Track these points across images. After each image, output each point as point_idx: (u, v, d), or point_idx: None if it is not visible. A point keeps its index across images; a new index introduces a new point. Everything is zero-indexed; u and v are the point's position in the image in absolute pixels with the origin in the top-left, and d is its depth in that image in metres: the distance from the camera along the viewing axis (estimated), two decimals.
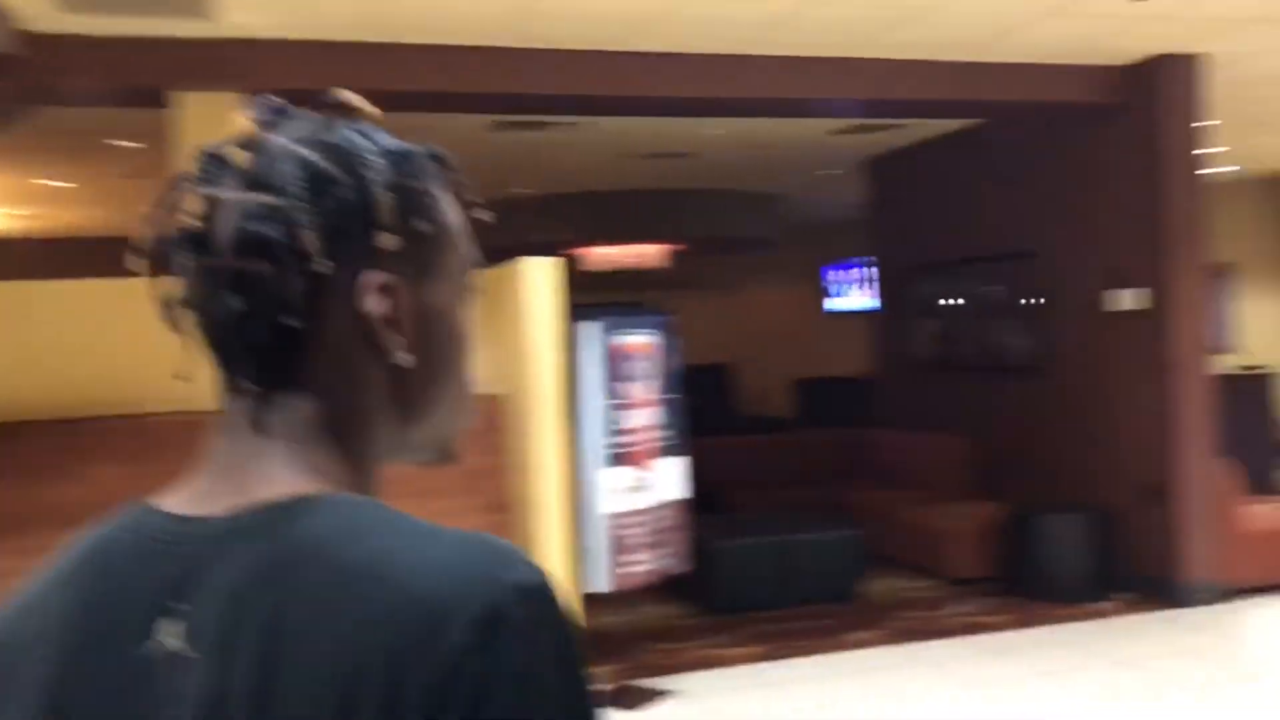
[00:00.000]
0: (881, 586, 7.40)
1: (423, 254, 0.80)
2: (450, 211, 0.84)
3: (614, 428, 5.31)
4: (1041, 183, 7.74)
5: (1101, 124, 7.08)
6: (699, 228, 11.78)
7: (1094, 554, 6.92)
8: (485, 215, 0.89)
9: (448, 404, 0.84)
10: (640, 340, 5.51)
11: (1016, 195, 7.99)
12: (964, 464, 8.42)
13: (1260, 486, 10.43)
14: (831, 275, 15.87)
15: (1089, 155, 7.28)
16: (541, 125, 7.63)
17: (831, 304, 15.89)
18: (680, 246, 12.26)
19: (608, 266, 11.80)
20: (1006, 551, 7.18)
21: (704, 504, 8.82)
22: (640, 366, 5.48)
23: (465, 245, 0.85)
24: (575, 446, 5.17)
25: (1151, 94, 6.69)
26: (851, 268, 14.84)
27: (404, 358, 0.79)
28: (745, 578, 7.02)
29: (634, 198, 11.03)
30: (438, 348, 0.82)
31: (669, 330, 5.64)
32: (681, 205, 11.33)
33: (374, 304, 0.77)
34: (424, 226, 0.80)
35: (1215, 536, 6.68)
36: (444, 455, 0.87)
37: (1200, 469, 6.70)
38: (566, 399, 4.47)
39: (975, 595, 7.09)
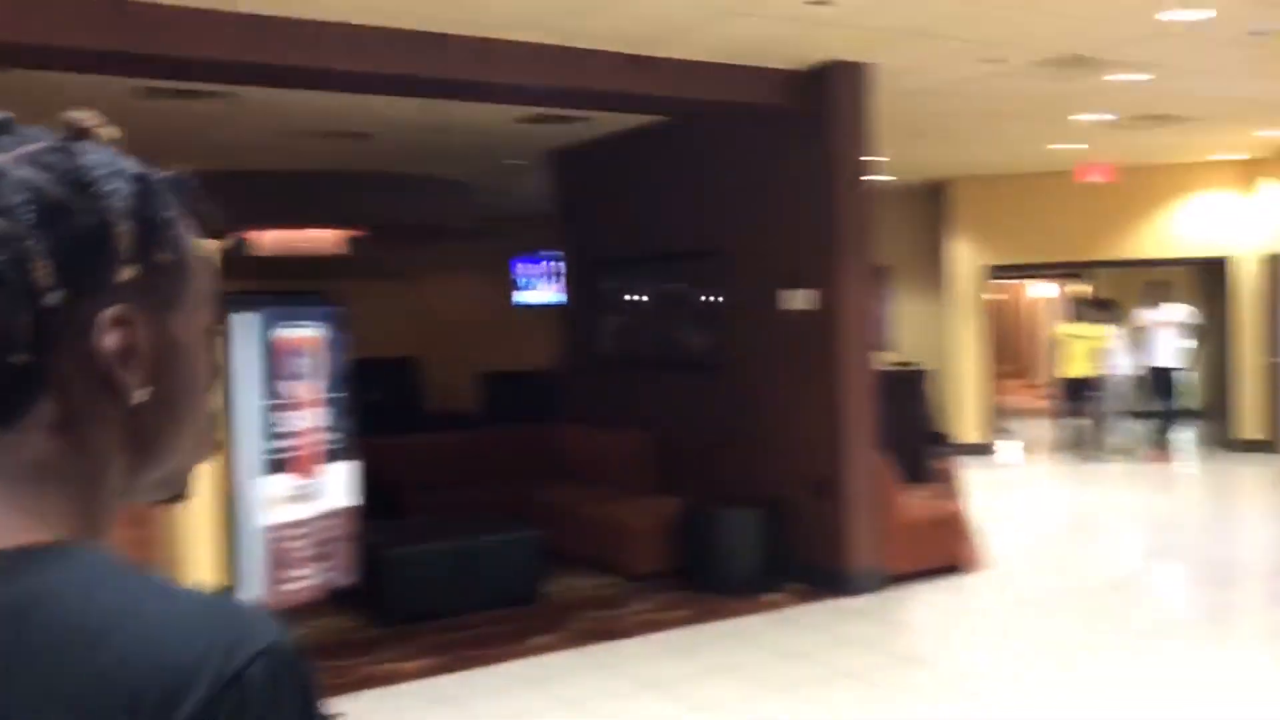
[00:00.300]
0: (564, 587, 7.26)
1: (163, 285, 0.77)
2: (191, 241, 0.80)
3: (274, 431, 4.82)
4: (724, 182, 7.86)
5: (780, 127, 7.26)
6: (381, 213, 11.25)
7: (767, 547, 7.09)
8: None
9: (186, 441, 0.81)
10: (305, 334, 5.03)
11: (699, 194, 8.09)
12: (647, 460, 8.44)
13: (917, 476, 11.23)
14: (521, 268, 15.70)
15: (769, 157, 7.45)
16: (196, 94, 6.93)
17: (520, 297, 15.72)
18: (360, 232, 11.67)
19: (281, 251, 11.04)
20: (685, 547, 7.24)
21: (381, 508, 8.39)
22: (305, 363, 5.01)
23: (206, 276, 0.82)
24: (229, 453, 4.65)
25: (825, 100, 6.90)
26: (540, 261, 14.72)
27: (141, 395, 0.75)
28: (421, 585, 6.67)
29: (308, 179, 10.35)
30: (178, 383, 0.79)
31: (337, 322, 5.19)
32: (361, 189, 10.75)
33: (110, 340, 0.73)
34: (164, 257, 0.77)
35: (876, 527, 7.01)
36: (177, 493, 0.84)
37: (863, 462, 7.00)
38: (219, 400, 3.95)
39: (655, 591, 7.09)
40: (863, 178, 7.07)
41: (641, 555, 7.38)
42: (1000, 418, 17.18)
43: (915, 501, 7.92)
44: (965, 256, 13.27)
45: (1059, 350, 12.18)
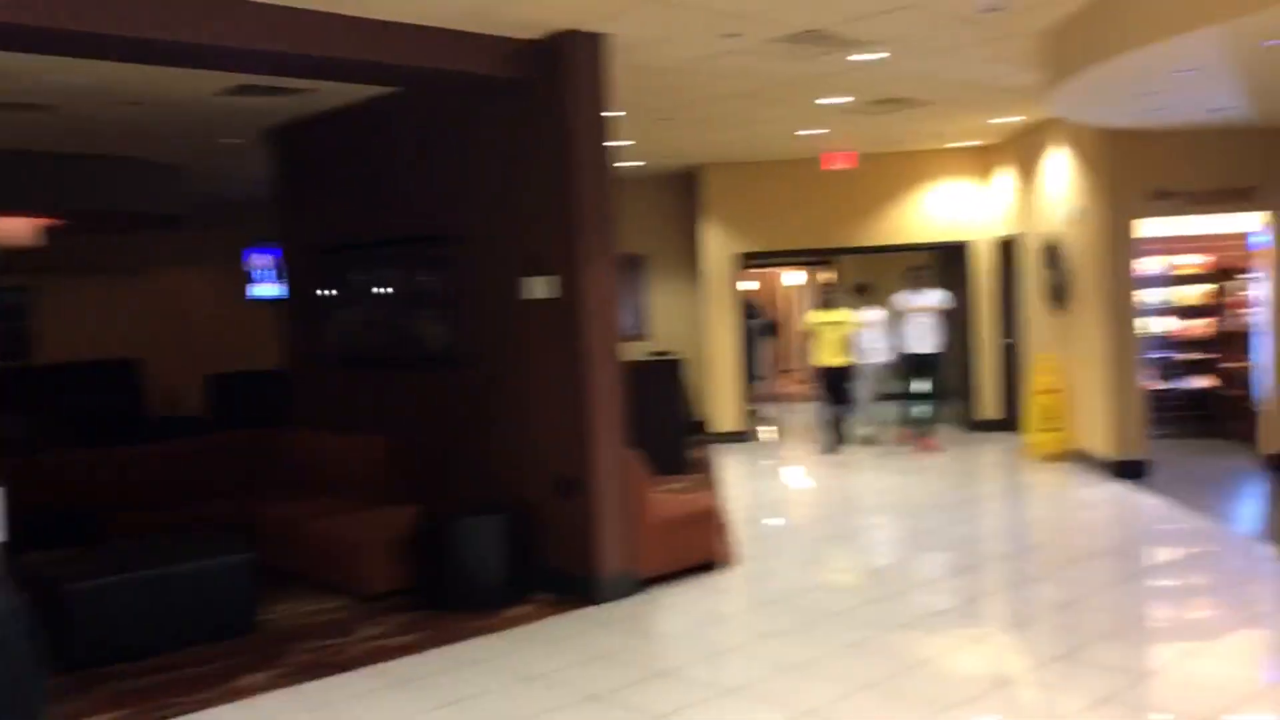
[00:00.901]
0: (286, 613, 6.50)
1: None
2: None
3: None
4: (458, 162, 7.25)
5: (515, 101, 6.72)
6: (80, 200, 9.99)
7: (512, 556, 6.56)
8: None
9: None
10: None
11: (432, 174, 7.45)
12: (385, 466, 7.76)
13: (674, 468, 10.98)
14: (254, 259, 14.55)
15: (504, 134, 6.89)
16: None
17: (254, 291, 14.56)
18: (58, 221, 10.35)
19: None
20: (422, 560, 6.60)
21: (72, 533, 7.35)
22: None
23: None
24: None
25: (561, 72, 6.41)
26: (270, 252, 13.65)
27: None
28: (111, 623, 5.75)
29: None
30: None
31: None
32: (52, 172, 9.49)
33: None
34: None
35: (627, 528, 6.60)
36: None
37: (612, 459, 6.57)
38: None
39: (389, 613, 6.42)
40: (604, 158, 6.62)
41: (374, 573, 6.69)
42: (758, 405, 17.33)
43: (668, 498, 7.57)
44: (718, 244, 13.15)
45: (813, 339, 12.04)
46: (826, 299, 12.22)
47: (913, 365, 11.86)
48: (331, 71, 6.34)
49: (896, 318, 11.87)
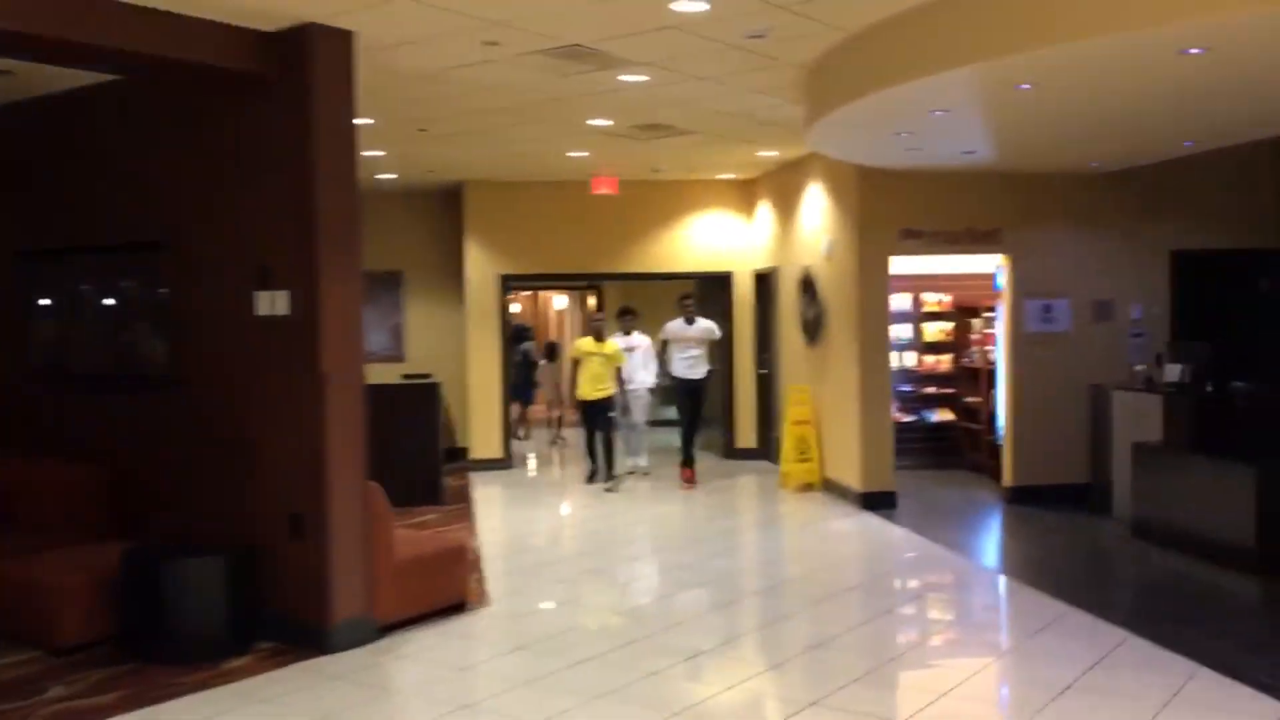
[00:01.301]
0: None
1: None
2: None
3: None
4: (186, 162, 6.53)
5: (250, 98, 6.10)
6: None
7: (237, 600, 5.89)
8: None
9: None
10: None
11: (157, 174, 6.69)
12: (94, 498, 6.91)
13: (429, 497, 10.43)
14: None
15: (239, 134, 6.24)
16: None
17: None
18: None
19: None
20: (130, 606, 5.84)
21: None
22: None
23: None
24: None
25: (301, 69, 5.86)
26: None
27: None
28: None
29: None
30: None
31: None
32: None
33: None
34: None
35: (365, 568, 6.06)
36: None
37: (350, 493, 6.03)
38: None
39: (88, 668, 5.62)
40: (350, 165, 6.10)
41: (70, 621, 5.86)
42: (526, 432, 16.92)
43: (414, 535, 7.08)
44: (481, 265, 12.72)
45: (579, 367, 11.46)
46: (595, 328, 11.68)
47: (680, 394, 11.57)
48: (32, 50, 5.55)
49: (665, 346, 11.61)
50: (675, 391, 11.70)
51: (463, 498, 10.88)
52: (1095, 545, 8.26)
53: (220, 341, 6.37)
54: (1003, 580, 7.35)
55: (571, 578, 7.60)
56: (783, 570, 7.83)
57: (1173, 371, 8.14)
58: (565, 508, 10.71)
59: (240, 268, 6.20)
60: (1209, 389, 7.80)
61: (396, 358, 13.57)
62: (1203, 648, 5.60)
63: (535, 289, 23.10)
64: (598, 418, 11.43)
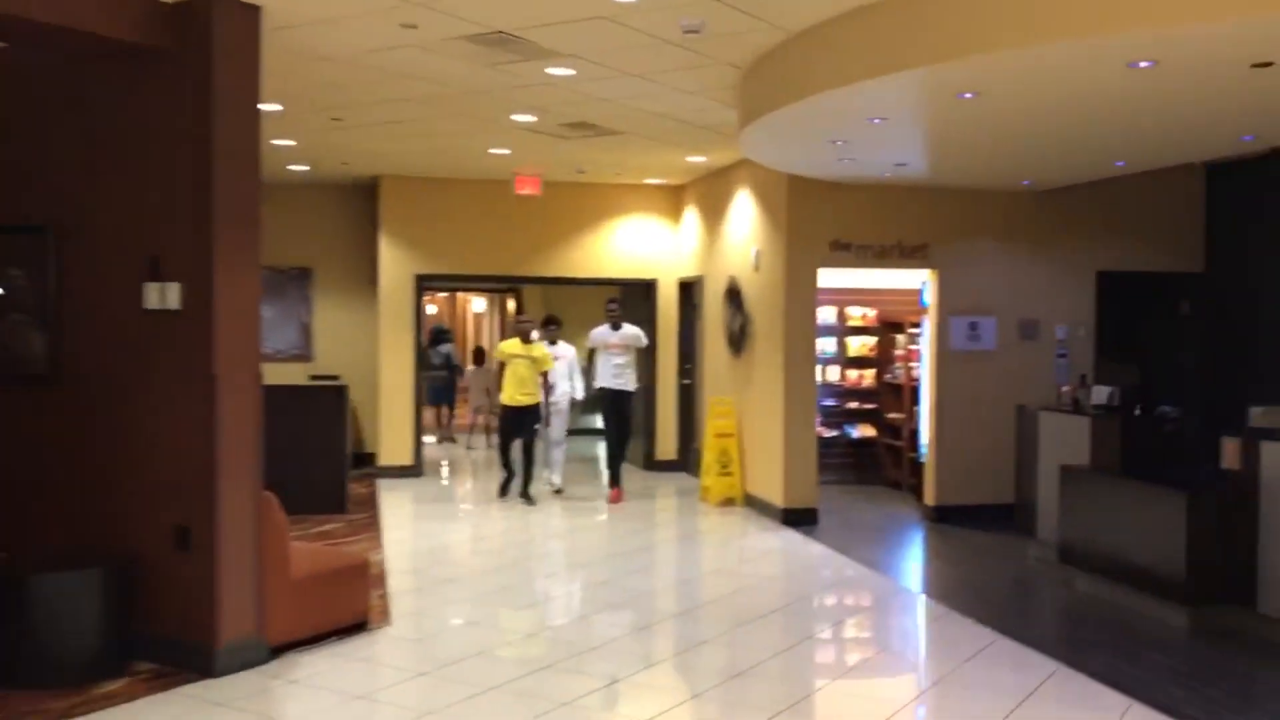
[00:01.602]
0: None
1: None
2: None
3: None
4: (72, 140, 6.01)
5: (140, 73, 5.62)
6: None
7: (114, 617, 5.40)
8: None
9: None
10: None
11: (34, 152, 6.14)
12: None
13: (333, 505, 9.92)
14: None
15: (131, 112, 5.74)
16: None
17: None
18: None
19: None
20: None
21: None
22: None
23: None
24: None
25: (200, 44, 5.41)
26: None
27: None
28: None
29: None
30: None
31: None
32: None
33: None
34: None
35: (256, 584, 5.61)
36: None
37: (241, 503, 5.57)
38: None
39: None
40: (251, 150, 5.66)
41: None
42: (444, 437, 16.41)
43: (312, 549, 6.62)
44: (395, 263, 12.23)
45: (503, 373, 10.70)
46: (522, 329, 10.82)
47: (606, 405, 10.98)
48: None
49: (590, 353, 11.16)
50: (600, 403, 11.17)
51: (369, 506, 10.40)
52: (1021, 569, 8.11)
53: (105, 336, 5.86)
54: (928, 604, 7.14)
55: (481, 596, 7.20)
56: (703, 591, 7.53)
57: (1100, 394, 8.04)
58: (477, 520, 10.28)
59: (129, 257, 5.71)
60: (1137, 413, 7.70)
61: (304, 357, 13.02)
62: (1136, 681, 5.43)
63: (453, 290, 22.62)
64: (520, 425, 10.67)
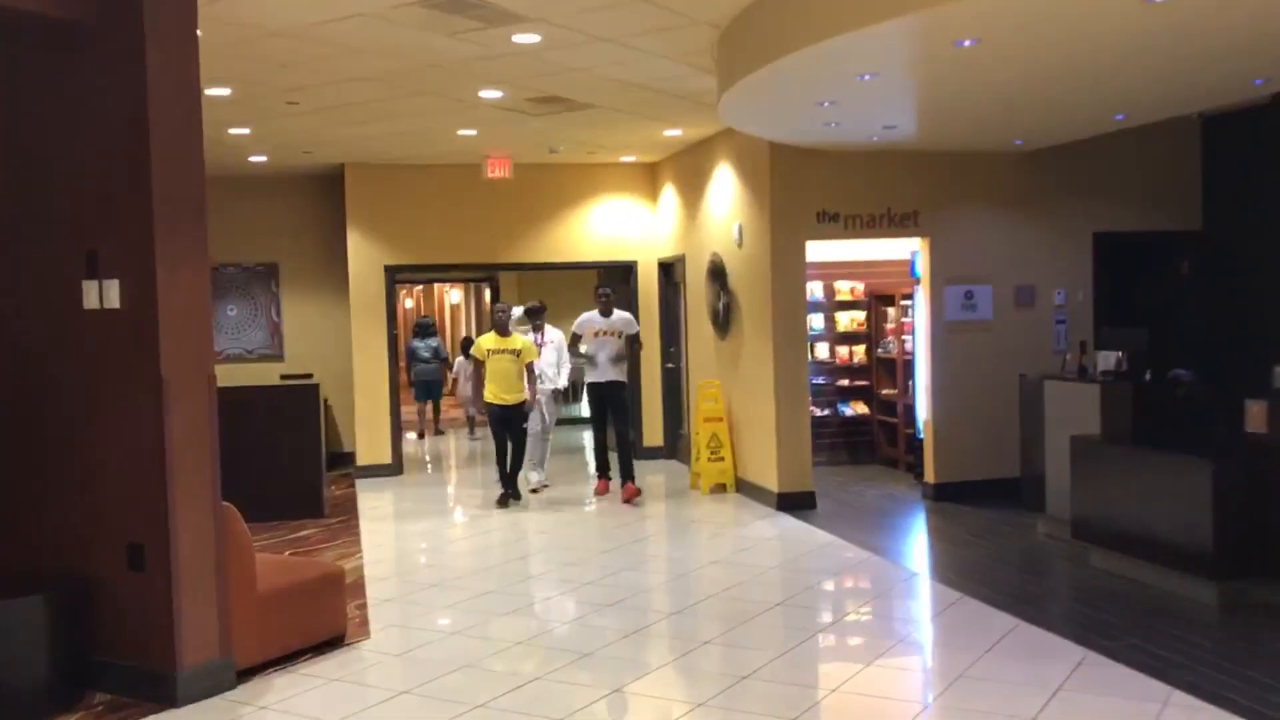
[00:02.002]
0: None
1: None
2: None
3: None
4: None
5: (73, 51, 5.14)
6: None
7: (61, 644, 4.96)
8: None
9: None
10: None
11: None
12: None
13: (309, 509, 9.47)
14: None
15: (62, 94, 5.27)
16: None
17: None
18: None
19: None
20: None
21: None
22: None
23: None
24: None
25: (132, 18, 4.94)
26: None
27: None
28: None
29: None
30: None
31: None
32: None
33: None
34: None
35: (219, 603, 5.17)
36: None
37: (199, 517, 5.12)
38: None
39: None
40: (193, 135, 5.19)
41: None
42: (428, 433, 15.95)
43: (280, 561, 6.18)
44: (365, 254, 11.75)
45: (485, 368, 9.76)
46: (499, 320, 9.82)
47: (597, 397, 10.05)
48: None
49: (576, 341, 10.07)
50: (592, 396, 10.17)
51: (348, 509, 9.95)
52: (1033, 548, 7.74)
53: (45, 339, 5.39)
54: (939, 590, 6.75)
55: (466, 601, 6.77)
56: (701, 585, 7.11)
57: (1108, 359, 7.66)
58: (460, 520, 9.84)
59: (68, 253, 5.24)
60: (1147, 378, 7.32)
61: (275, 356, 12.55)
62: (1172, 666, 5.06)
63: (426, 281, 22.12)
64: (508, 424, 9.70)
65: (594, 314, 10.02)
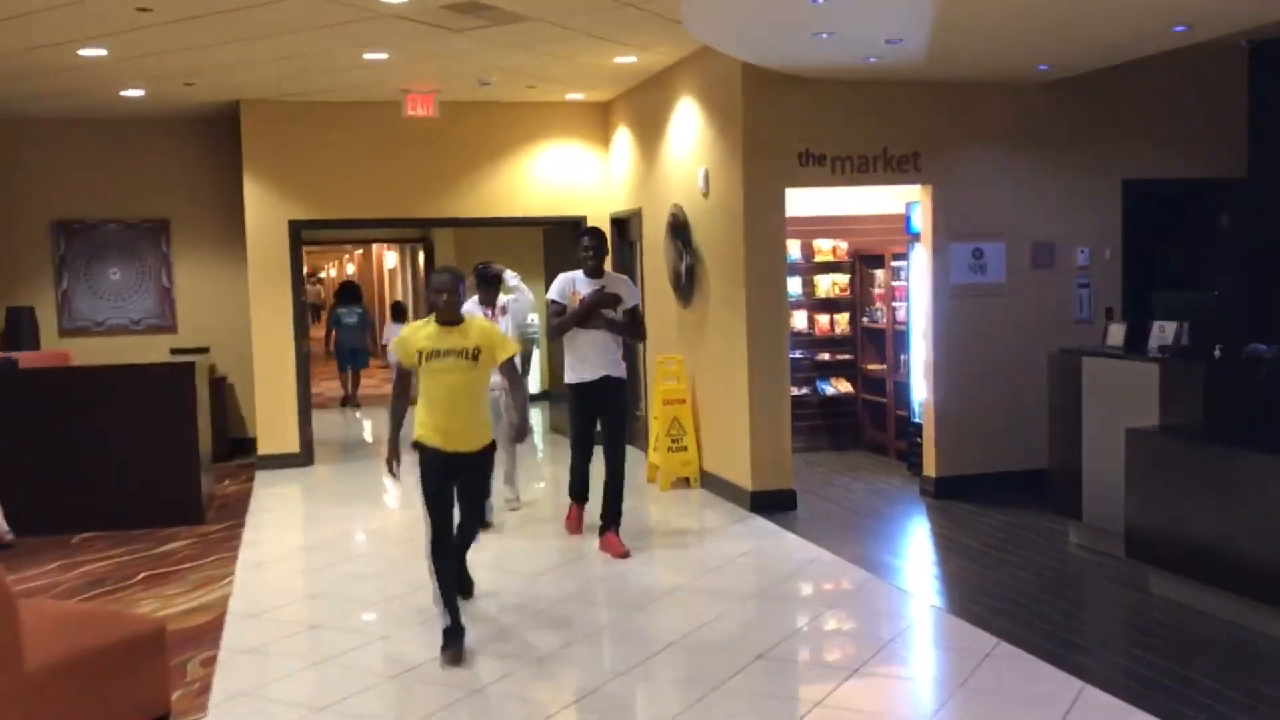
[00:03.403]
0: None
1: None
2: None
3: None
4: None
5: None
6: None
7: None
8: None
9: None
10: None
11: None
12: None
13: (186, 514, 7.78)
14: None
15: None
16: None
17: None
18: None
19: None
20: None
21: None
22: None
23: None
24: None
25: None
26: None
27: None
28: None
29: None
30: None
31: None
32: None
33: None
34: None
35: None
36: None
37: None
38: None
39: None
40: None
41: None
42: (343, 400, 14.68)
43: (72, 616, 4.48)
44: (265, 209, 10.02)
45: (415, 383, 5.57)
46: (440, 300, 5.19)
47: (585, 399, 6.84)
48: None
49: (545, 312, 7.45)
50: (575, 398, 6.89)
51: (236, 512, 8.31)
52: (1071, 565, 6.26)
53: None
54: (965, 631, 5.22)
55: (349, 651, 5.14)
56: (656, 629, 5.49)
57: (1165, 331, 6.15)
58: (370, 526, 8.19)
59: None
60: (1217, 355, 5.83)
61: (166, 328, 10.84)
62: None
63: (341, 243, 20.58)
64: (466, 485, 5.34)
65: (577, 273, 6.84)
